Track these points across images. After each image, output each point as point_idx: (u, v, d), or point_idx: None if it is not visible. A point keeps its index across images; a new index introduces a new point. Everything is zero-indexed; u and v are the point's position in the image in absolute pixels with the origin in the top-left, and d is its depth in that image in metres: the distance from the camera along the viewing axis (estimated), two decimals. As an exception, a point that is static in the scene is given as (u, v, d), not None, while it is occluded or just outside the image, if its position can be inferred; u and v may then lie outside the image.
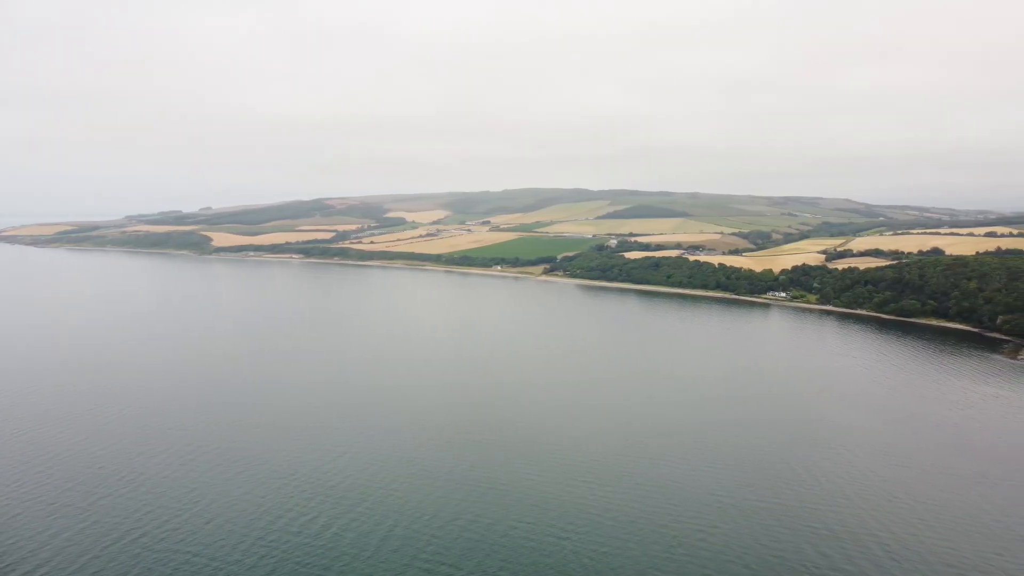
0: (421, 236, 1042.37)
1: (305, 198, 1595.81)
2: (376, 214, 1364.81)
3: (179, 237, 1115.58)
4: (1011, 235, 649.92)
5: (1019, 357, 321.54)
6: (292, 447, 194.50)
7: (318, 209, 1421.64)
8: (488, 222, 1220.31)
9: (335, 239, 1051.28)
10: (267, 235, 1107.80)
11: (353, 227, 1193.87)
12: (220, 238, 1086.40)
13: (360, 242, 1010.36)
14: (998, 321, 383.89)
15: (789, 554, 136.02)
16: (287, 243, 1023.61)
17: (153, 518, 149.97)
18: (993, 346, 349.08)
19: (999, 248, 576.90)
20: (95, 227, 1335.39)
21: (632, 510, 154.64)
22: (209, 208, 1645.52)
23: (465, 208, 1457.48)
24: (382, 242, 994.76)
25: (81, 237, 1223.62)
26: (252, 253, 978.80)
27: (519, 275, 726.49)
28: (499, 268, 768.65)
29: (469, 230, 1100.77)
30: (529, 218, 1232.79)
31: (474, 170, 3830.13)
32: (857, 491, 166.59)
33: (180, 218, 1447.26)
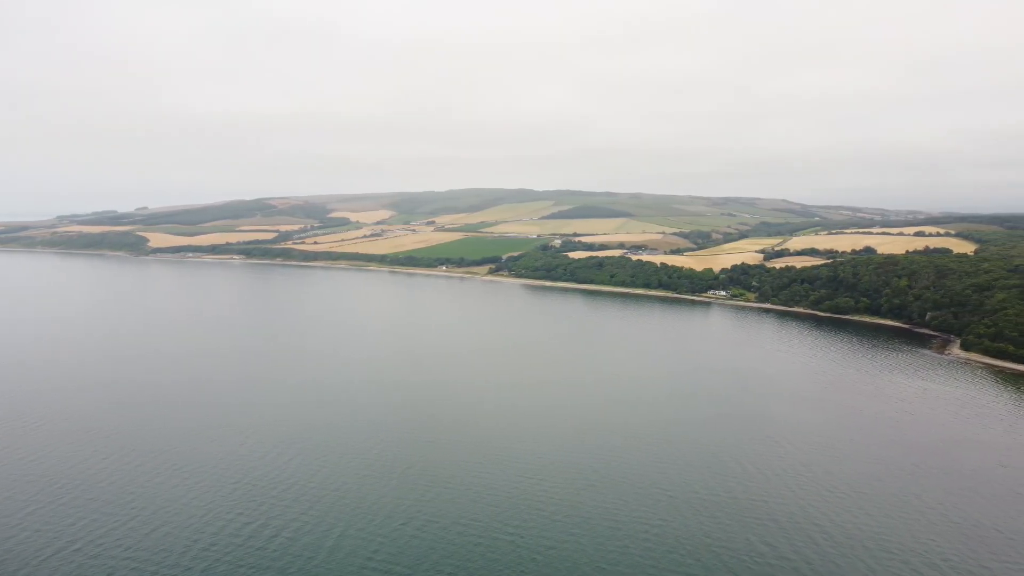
0: (365, 236, 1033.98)
1: (247, 198, 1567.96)
2: (319, 214, 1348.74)
3: (114, 238, 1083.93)
4: (938, 234, 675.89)
5: (947, 352, 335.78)
6: (238, 451, 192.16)
7: (260, 209, 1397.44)
8: (433, 222, 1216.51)
9: (277, 239, 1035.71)
10: (207, 235, 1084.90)
11: (296, 227, 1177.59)
12: (157, 239, 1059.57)
13: (303, 242, 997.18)
14: (927, 317, 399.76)
15: (737, 544, 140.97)
16: (228, 244, 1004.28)
17: (94, 528, 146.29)
18: (923, 341, 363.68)
19: (927, 247, 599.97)
20: (23, 227, 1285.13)
21: (585, 507, 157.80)
22: (146, 208, 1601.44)
23: (410, 208, 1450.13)
24: (326, 242, 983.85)
25: (8, 238, 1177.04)
26: (191, 254, 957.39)
27: (465, 275, 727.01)
28: (444, 268, 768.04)
29: (414, 230, 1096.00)
30: (474, 218, 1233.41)
31: (419, 170, 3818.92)
32: (799, 483, 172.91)
33: (115, 218, 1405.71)
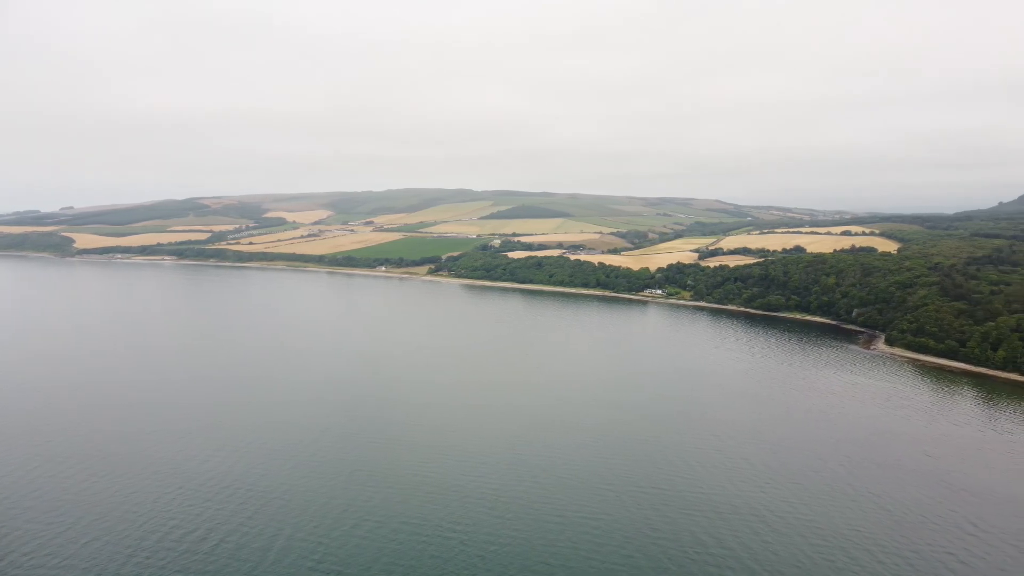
0: (302, 236, 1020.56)
1: (178, 197, 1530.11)
2: (255, 214, 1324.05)
3: (38, 238, 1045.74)
4: (864, 234, 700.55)
5: (873, 347, 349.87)
6: (176, 456, 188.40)
7: (192, 209, 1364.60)
8: (372, 222, 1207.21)
9: (211, 240, 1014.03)
10: (137, 236, 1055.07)
11: (230, 227, 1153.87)
12: (84, 239, 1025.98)
13: (238, 243, 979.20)
14: (853, 314, 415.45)
15: (682, 536, 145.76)
16: (159, 244, 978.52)
17: (20, 543, 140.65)
18: (850, 337, 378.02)
19: (854, 246, 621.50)
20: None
21: (532, 503, 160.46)
22: (71, 208, 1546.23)
23: (348, 208, 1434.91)
24: (261, 243, 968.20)
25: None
26: (120, 255, 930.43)
27: (404, 275, 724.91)
28: (384, 268, 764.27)
29: (352, 230, 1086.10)
30: (413, 218, 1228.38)
31: (357, 169, 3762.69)
32: (739, 476, 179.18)
33: (39, 218, 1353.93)
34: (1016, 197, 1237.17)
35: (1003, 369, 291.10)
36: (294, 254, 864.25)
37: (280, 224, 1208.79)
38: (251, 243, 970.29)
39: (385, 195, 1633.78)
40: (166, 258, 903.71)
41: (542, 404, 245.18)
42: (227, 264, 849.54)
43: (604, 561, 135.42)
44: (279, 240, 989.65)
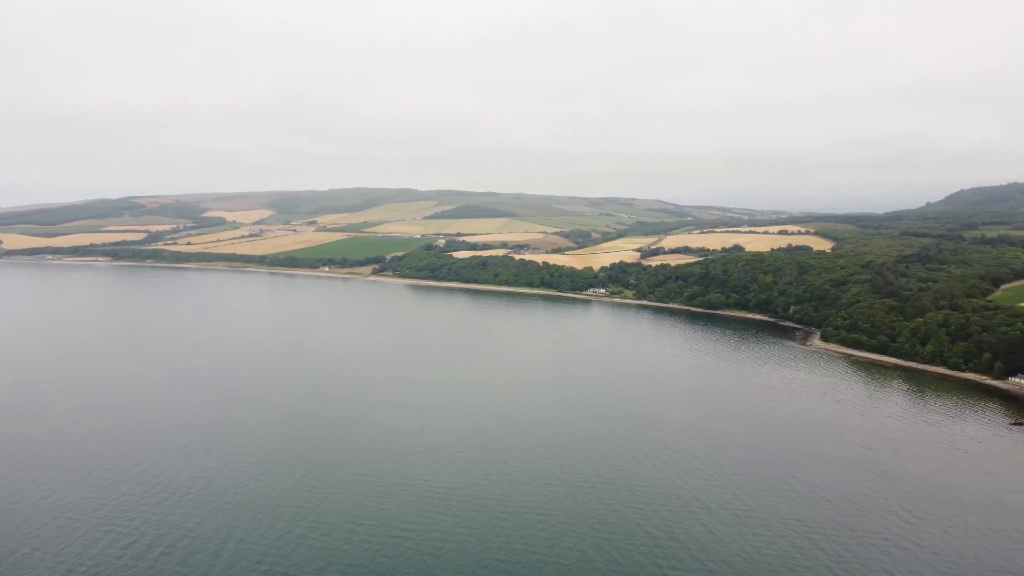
0: (243, 236, 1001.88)
1: (112, 196, 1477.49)
2: (193, 214, 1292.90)
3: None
4: (800, 233, 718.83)
5: (809, 343, 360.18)
6: (114, 463, 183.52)
7: (127, 208, 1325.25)
8: (314, 222, 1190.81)
9: (147, 240, 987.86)
10: (69, 236, 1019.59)
11: (168, 227, 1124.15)
12: (11, 239, 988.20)
13: (176, 243, 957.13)
14: (790, 311, 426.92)
15: (632, 528, 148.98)
16: (92, 245, 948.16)
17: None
18: (787, 334, 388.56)
19: (790, 245, 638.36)
20: None
21: (483, 501, 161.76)
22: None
23: (290, 208, 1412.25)
24: (200, 243, 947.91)
25: None
26: (51, 256, 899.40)
27: (348, 275, 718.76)
28: (327, 269, 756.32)
29: (295, 230, 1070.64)
30: (357, 218, 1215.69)
31: (299, 168, 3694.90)
32: (684, 470, 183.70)
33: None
34: (943, 198, 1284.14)
35: (931, 363, 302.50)
36: (234, 254, 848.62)
37: (220, 224, 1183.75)
38: (189, 243, 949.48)
39: (328, 195, 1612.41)
40: (100, 259, 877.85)
41: (491, 403, 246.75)
42: (164, 265, 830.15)
43: (558, 557, 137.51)
44: (219, 240, 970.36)
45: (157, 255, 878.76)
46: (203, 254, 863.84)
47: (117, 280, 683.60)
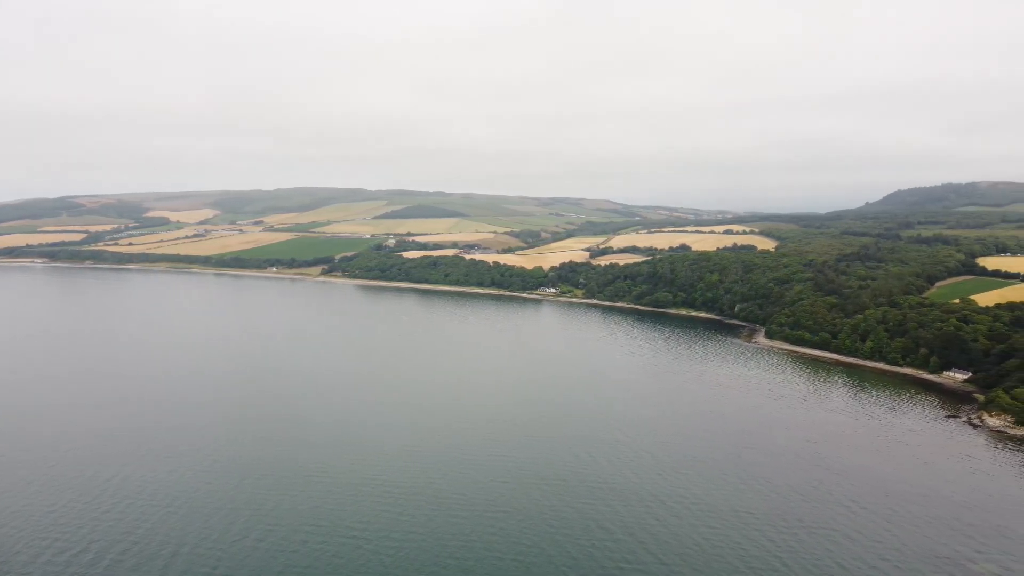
0: (187, 237, 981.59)
1: (50, 195, 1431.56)
2: (135, 213, 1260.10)
3: None
4: (744, 232, 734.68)
5: (754, 340, 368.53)
6: (48, 470, 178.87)
7: (65, 208, 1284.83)
8: (261, 222, 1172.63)
9: (87, 241, 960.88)
10: (2, 237, 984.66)
11: (108, 227, 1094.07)
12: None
13: (117, 244, 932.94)
14: (736, 309, 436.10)
15: (588, 522, 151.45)
16: (28, 246, 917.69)
17: None
18: (733, 331, 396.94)
19: (735, 244, 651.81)
20: None
21: (435, 502, 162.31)
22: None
23: (236, 207, 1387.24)
24: (143, 243, 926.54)
25: None
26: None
27: (296, 276, 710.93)
28: (274, 269, 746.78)
29: (241, 230, 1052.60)
30: (305, 218, 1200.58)
31: (245, 167, 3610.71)
32: (636, 466, 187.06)
33: None
34: (881, 198, 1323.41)
35: (871, 359, 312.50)
36: (178, 255, 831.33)
37: (163, 224, 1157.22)
38: (131, 244, 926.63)
39: (275, 194, 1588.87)
40: (37, 260, 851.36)
41: (445, 403, 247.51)
42: (105, 266, 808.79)
43: (518, 555, 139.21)
44: (162, 241, 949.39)
45: (97, 256, 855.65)
46: (146, 255, 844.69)
47: (55, 281, 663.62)
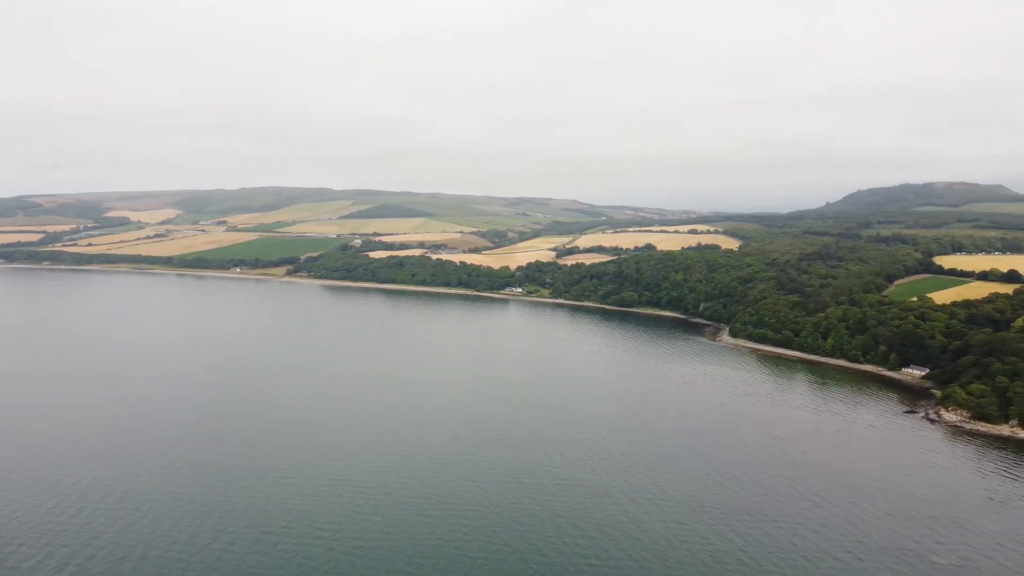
0: (149, 237, 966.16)
1: (4, 195, 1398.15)
2: (95, 213, 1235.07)
3: None
4: (709, 232, 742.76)
5: (718, 339, 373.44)
6: (12, 478, 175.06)
7: (21, 208, 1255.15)
8: (225, 222, 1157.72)
9: (45, 241, 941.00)
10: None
11: (67, 228, 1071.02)
12: None
13: (76, 244, 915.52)
14: (700, 308, 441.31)
15: (560, 519, 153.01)
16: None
17: None
18: (698, 330, 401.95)
19: (700, 244, 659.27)
20: None
21: (404, 503, 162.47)
22: None
23: (198, 207, 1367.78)
24: (103, 244, 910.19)
25: None
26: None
27: (261, 277, 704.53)
28: (239, 270, 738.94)
29: (203, 230, 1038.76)
30: (269, 218, 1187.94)
31: (208, 167, 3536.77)
32: (605, 464, 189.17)
33: None
34: (841, 198, 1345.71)
35: (832, 356, 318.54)
36: (140, 256, 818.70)
37: (124, 224, 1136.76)
38: (91, 244, 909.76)
39: (239, 194, 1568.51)
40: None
41: (414, 401, 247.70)
42: (64, 267, 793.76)
43: (492, 554, 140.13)
44: (123, 241, 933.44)
45: (55, 257, 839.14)
46: (106, 255, 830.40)
47: (10, 283, 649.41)
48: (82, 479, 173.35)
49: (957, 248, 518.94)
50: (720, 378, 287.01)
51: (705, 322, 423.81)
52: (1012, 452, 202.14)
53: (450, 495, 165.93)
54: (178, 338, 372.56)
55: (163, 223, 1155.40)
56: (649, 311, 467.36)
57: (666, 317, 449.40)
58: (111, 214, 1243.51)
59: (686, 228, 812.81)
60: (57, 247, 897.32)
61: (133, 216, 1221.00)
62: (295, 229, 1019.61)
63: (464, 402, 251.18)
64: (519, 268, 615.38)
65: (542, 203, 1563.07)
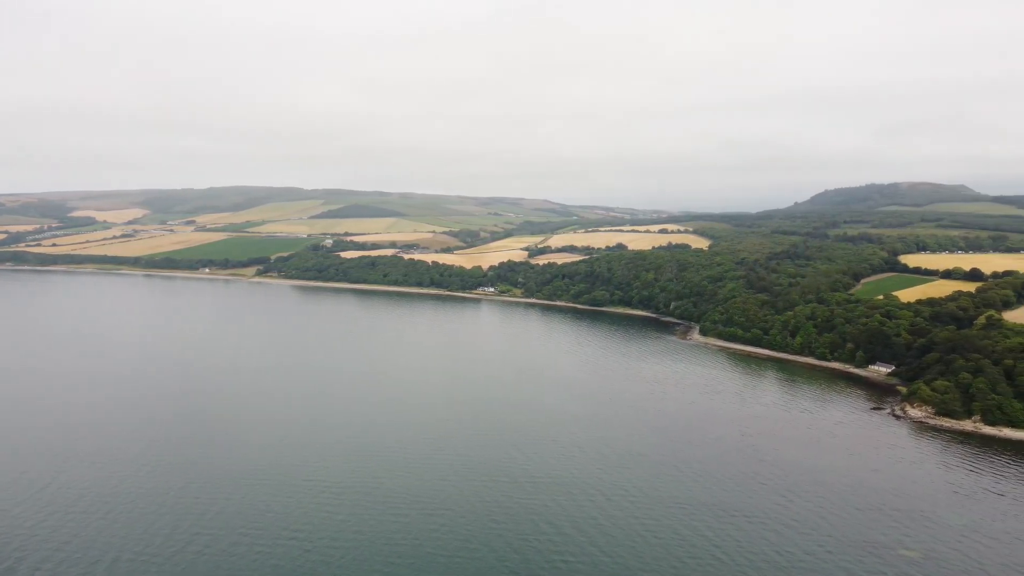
0: (116, 237, 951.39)
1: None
2: (59, 213, 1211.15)
3: None
4: (679, 231, 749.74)
5: (689, 337, 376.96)
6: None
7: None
8: (193, 222, 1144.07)
9: (7, 241, 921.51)
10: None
11: (30, 228, 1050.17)
12: None
13: (40, 244, 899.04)
14: (671, 307, 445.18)
15: (536, 517, 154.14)
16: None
17: None
18: (669, 328, 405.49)
19: (670, 243, 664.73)
20: None
21: (372, 506, 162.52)
22: None
23: (166, 207, 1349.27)
24: (68, 244, 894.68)
25: None
26: None
27: (230, 277, 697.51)
28: (208, 270, 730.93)
29: (172, 230, 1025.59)
30: (239, 217, 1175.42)
31: (176, 166, 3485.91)
32: (579, 462, 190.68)
33: None
34: (809, 198, 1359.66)
35: (800, 354, 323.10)
36: (106, 256, 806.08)
37: (89, 224, 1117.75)
38: (55, 245, 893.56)
39: (208, 193, 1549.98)
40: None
41: (388, 401, 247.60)
42: (27, 268, 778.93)
43: (468, 552, 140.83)
44: (88, 241, 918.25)
45: (18, 258, 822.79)
46: (71, 256, 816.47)
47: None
48: (52, 482, 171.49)
49: (922, 247, 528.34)
50: (691, 376, 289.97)
51: (676, 321, 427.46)
52: (975, 447, 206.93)
53: (426, 495, 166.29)
54: (147, 339, 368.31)
55: (130, 223, 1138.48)
56: (620, 310, 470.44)
57: (637, 316, 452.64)
58: (76, 214, 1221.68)
59: (657, 228, 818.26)
60: (20, 247, 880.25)
61: (99, 216, 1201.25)
62: (265, 229, 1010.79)
63: (438, 402, 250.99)
64: (491, 268, 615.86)
65: (514, 203, 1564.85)
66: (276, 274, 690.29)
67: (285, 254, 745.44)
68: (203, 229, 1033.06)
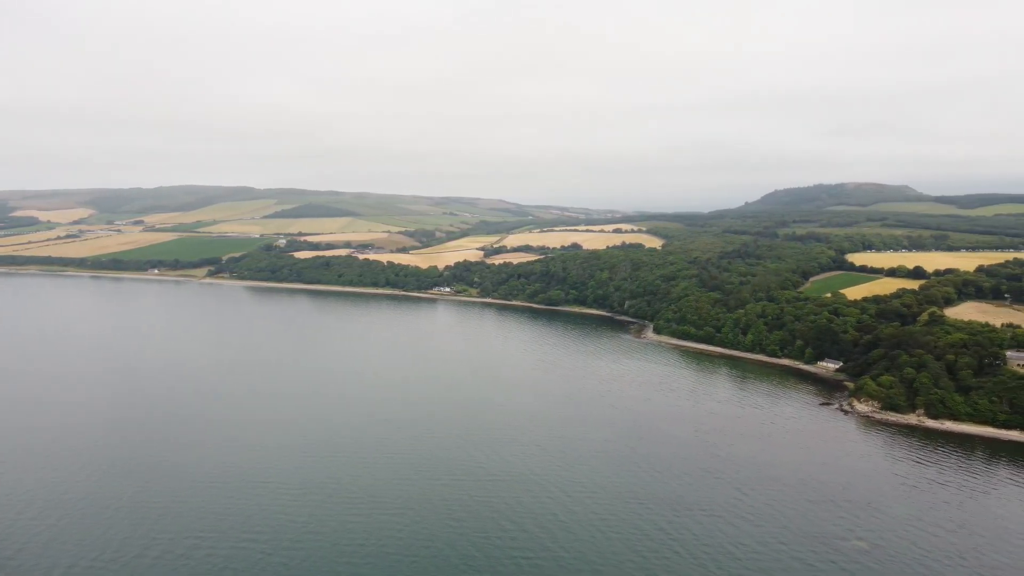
0: (60, 238, 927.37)
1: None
2: (0, 213, 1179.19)
3: None
4: (633, 231, 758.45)
5: (643, 336, 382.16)
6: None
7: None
8: (141, 222, 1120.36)
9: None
10: None
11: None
12: None
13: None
14: (626, 306, 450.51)
15: (497, 514, 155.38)
16: None
17: None
18: (623, 327, 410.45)
19: (624, 243, 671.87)
20: None
21: (333, 509, 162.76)
22: None
23: (113, 206, 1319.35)
24: (9, 244, 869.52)
25: None
26: None
27: (181, 278, 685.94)
28: (157, 271, 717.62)
29: (119, 230, 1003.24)
30: (189, 217, 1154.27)
31: (123, 164, 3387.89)
32: (540, 460, 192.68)
33: None
34: (759, 198, 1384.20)
35: (751, 351, 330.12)
36: (50, 257, 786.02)
37: (32, 224, 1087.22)
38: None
39: (156, 192, 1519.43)
40: None
41: (346, 401, 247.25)
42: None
43: (431, 551, 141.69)
44: (31, 242, 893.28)
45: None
46: (12, 257, 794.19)
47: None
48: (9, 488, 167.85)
49: (867, 246, 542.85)
50: (646, 374, 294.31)
51: (630, 319, 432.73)
52: (919, 439, 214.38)
53: (387, 495, 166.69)
54: (96, 341, 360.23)
55: (75, 223, 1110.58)
56: (576, 309, 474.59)
57: (592, 315, 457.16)
58: (18, 213, 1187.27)
59: (611, 227, 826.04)
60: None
61: (42, 216, 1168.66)
62: (216, 229, 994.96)
63: (394, 401, 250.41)
64: (447, 268, 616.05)
65: (470, 203, 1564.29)
66: (228, 275, 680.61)
67: (237, 254, 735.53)
68: (152, 229, 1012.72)
